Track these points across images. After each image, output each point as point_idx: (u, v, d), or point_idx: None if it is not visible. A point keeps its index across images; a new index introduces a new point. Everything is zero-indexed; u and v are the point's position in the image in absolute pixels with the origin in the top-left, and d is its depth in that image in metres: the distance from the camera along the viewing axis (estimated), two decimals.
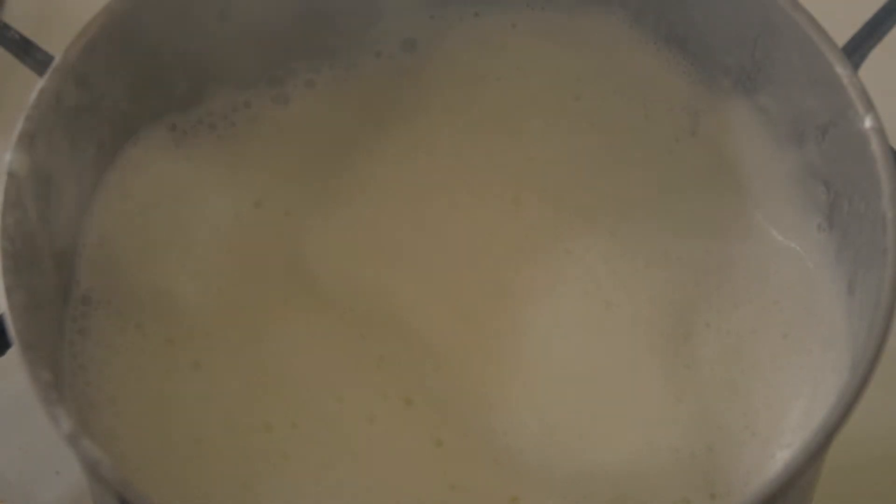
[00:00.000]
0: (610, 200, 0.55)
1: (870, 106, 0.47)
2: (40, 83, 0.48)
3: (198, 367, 0.52)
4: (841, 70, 0.48)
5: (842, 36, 0.52)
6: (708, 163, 0.55)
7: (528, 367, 0.52)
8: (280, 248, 0.54)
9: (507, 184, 0.55)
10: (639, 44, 0.55)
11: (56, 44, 0.50)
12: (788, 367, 0.51)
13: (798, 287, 0.52)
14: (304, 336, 0.53)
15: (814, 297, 0.52)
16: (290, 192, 0.55)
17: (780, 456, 0.50)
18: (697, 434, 0.51)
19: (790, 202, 0.53)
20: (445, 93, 0.56)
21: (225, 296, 0.53)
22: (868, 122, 0.47)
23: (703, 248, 0.54)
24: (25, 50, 0.52)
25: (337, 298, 0.54)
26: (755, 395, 0.51)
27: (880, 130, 0.47)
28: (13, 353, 0.45)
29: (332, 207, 0.55)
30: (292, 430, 0.51)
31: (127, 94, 0.52)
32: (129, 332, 0.52)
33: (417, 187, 0.55)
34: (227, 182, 0.55)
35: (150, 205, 0.53)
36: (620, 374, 0.52)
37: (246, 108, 0.55)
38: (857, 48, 0.54)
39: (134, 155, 0.53)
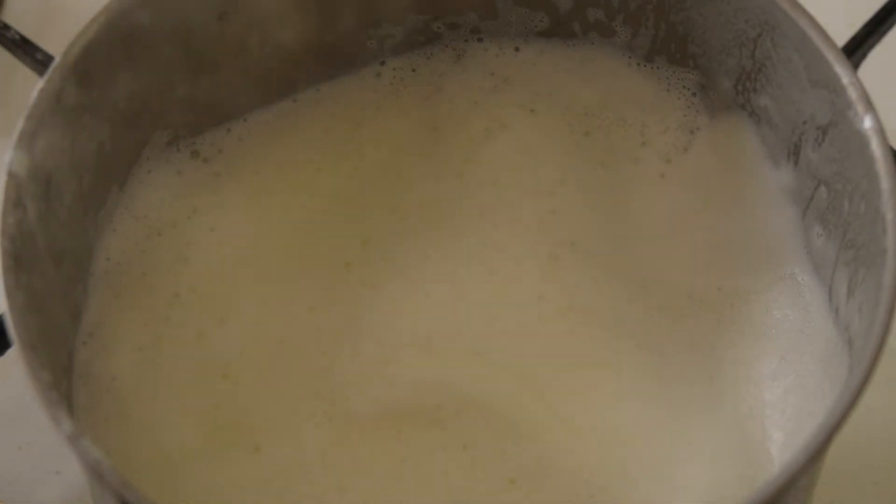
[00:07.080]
0: (626, 244, 0.55)
1: (870, 106, 0.47)
2: (40, 83, 0.48)
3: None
4: (841, 70, 0.48)
5: (842, 36, 0.51)
6: (700, 185, 0.55)
7: (597, 428, 0.52)
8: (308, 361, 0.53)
9: (539, 241, 0.54)
10: (637, 68, 0.56)
11: (56, 44, 0.50)
12: (790, 386, 0.52)
13: (792, 313, 0.53)
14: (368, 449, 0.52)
15: (807, 320, 0.52)
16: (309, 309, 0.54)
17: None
18: (743, 462, 0.51)
19: (785, 220, 0.53)
20: (456, 155, 0.56)
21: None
22: (868, 123, 0.47)
23: (716, 285, 0.54)
24: (25, 50, 0.52)
25: (399, 397, 0.52)
26: (767, 419, 0.52)
27: (880, 130, 0.47)
28: (13, 353, 0.45)
29: (366, 299, 0.54)
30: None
31: (127, 94, 0.52)
32: (136, 351, 0.52)
33: (450, 261, 0.54)
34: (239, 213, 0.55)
35: (160, 227, 0.53)
36: (673, 417, 0.52)
37: (243, 128, 0.56)
38: (857, 48, 0.54)
39: (142, 176, 0.54)
